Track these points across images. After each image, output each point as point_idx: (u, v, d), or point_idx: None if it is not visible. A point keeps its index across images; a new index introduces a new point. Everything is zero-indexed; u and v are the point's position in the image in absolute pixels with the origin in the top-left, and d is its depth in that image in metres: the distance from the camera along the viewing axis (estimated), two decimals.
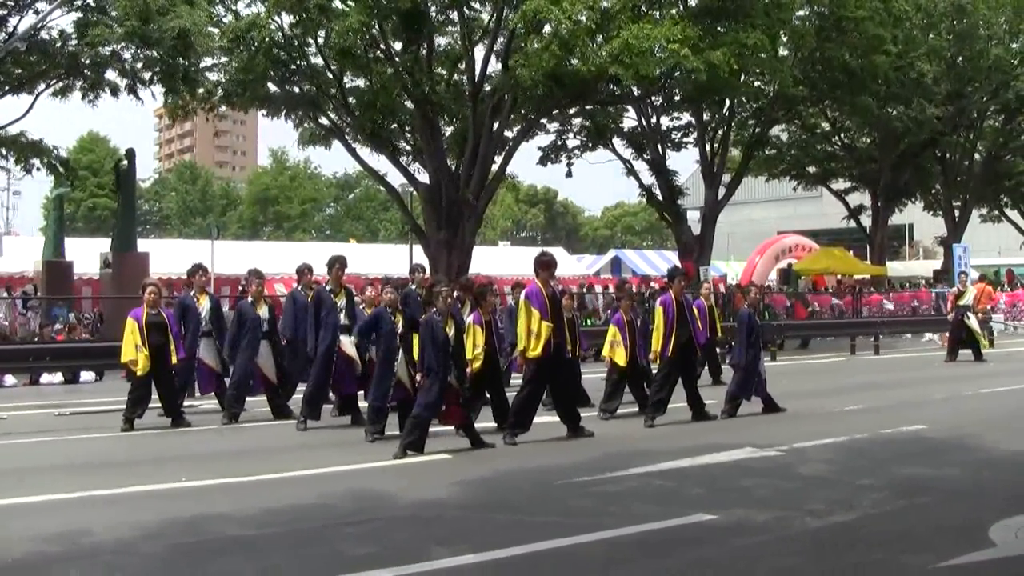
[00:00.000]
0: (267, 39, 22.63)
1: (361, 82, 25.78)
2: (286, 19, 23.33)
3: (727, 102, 29.30)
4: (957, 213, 38.55)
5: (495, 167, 25.62)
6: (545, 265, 10.73)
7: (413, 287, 13.12)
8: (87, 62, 21.90)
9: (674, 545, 6.31)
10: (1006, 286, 37.45)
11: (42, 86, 23.09)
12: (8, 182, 58.07)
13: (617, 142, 32.10)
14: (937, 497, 7.72)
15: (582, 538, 6.29)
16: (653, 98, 29.01)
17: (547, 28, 21.28)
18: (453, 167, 25.70)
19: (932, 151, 36.30)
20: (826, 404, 13.62)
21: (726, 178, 31.98)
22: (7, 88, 22.70)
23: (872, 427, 11.05)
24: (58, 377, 18.57)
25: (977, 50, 32.96)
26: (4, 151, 23.95)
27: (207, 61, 23.86)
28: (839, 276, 36.94)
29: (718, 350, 17.40)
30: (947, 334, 22.40)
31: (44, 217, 63.18)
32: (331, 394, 12.37)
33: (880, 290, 34.74)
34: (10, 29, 22.23)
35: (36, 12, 22.07)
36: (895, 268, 44.38)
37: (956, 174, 38.10)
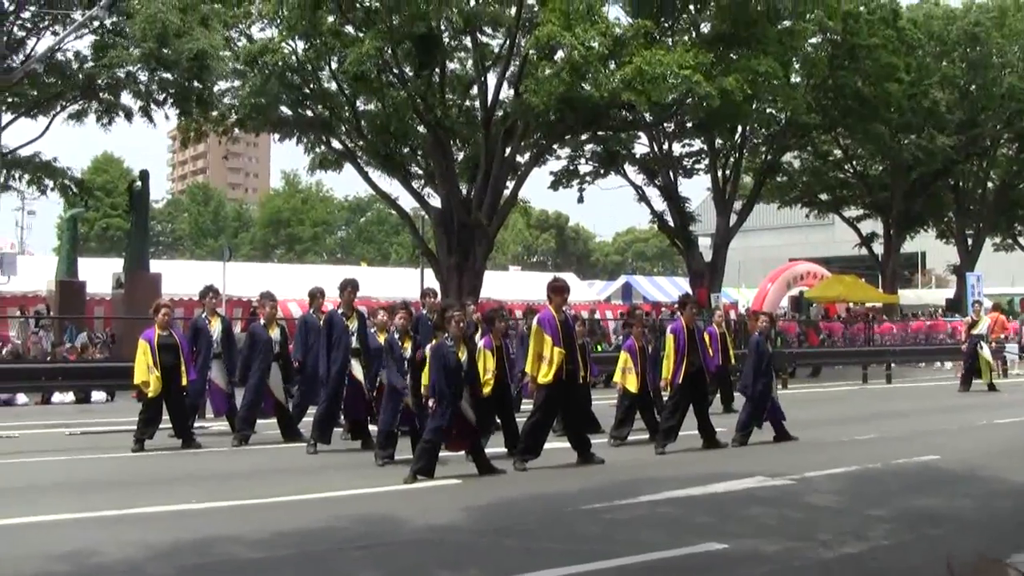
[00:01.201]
0: (280, 63, 22.84)
1: (373, 106, 25.94)
2: (299, 44, 23.55)
3: (739, 129, 29.39)
4: (970, 241, 38.51)
5: (507, 192, 25.70)
6: (558, 290, 10.69)
7: (424, 312, 13.11)
8: (103, 84, 22.09)
9: (683, 573, 6.28)
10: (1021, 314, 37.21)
11: (57, 108, 23.30)
12: (23, 202, 58.51)
13: (629, 168, 32.20)
14: (949, 528, 7.64)
15: (591, 566, 6.24)
16: (665, 124, 29.10)
17: (560, 54, 21.41)
18: (465, 191, 25.79)
19: (945, 179, 36.27)
20: (837, 433, 13.55)
21: (738, 205, 32.04)
22: (23, 110, 22.92)
23: (884, 457, 10.99)
24: (70, 396, 18.64)
25: (990, 78, 33.00)
26: (19, 172, 24.12)
27: (221, 85, 24.08)
28: (850, 304, 36.80)
29: (732, 377, 17.32)
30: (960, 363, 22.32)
31: (58, 237, 63.45)
32: (342, 418, 12.36)
33: (893, 318, 34.59)
34: (28, 51, 22.49)
35: (54, 34, 22.32)
36: (907, 296, 44.21)
37: (969, 202, 38.08)
